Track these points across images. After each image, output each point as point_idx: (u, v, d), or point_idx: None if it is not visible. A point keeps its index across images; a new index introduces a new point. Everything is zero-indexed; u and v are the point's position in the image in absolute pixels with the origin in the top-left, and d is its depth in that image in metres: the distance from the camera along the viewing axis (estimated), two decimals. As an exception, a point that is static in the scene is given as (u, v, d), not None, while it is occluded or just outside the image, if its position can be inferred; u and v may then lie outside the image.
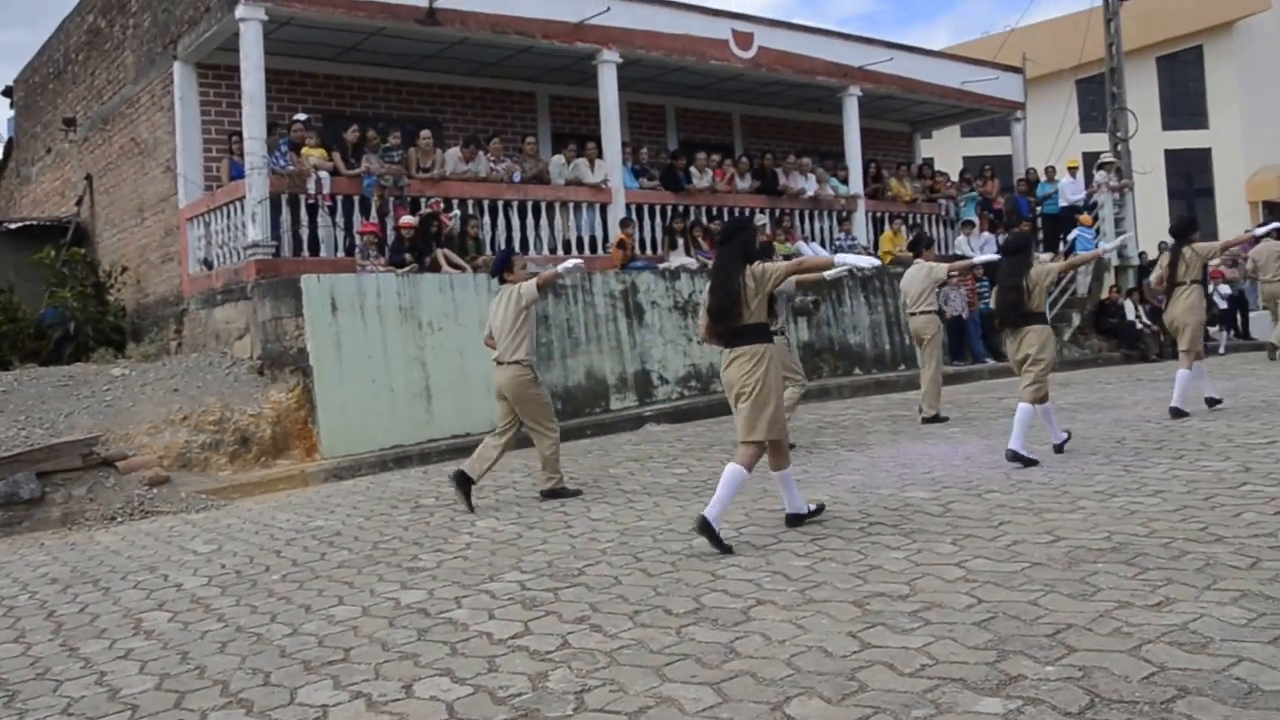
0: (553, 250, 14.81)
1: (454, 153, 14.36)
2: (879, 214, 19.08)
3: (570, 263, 8.87)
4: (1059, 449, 8.85)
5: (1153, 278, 12.22)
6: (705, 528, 6.29)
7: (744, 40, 17.04)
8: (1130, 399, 12.09)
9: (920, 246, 12.53)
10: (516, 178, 14.66)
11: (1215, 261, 16.83)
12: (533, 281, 8.64)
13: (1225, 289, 21.14)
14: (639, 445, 11.51)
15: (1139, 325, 19.46)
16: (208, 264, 13.75)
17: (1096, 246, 19.82)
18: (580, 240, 15.20)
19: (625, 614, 5.16)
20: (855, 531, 6.52)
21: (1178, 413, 10.28)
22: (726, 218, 16.82)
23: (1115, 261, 20.65)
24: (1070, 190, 20.59)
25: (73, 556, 8.05)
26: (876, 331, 16.95)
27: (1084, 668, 3.94)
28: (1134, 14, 27.22)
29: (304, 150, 13.11)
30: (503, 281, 8.98)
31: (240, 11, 12.39)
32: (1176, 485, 7.12)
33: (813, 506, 7.02)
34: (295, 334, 11.75)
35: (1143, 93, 31.99)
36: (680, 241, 15.78)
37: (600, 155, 15.53)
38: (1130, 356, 18.74)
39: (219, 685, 4.66)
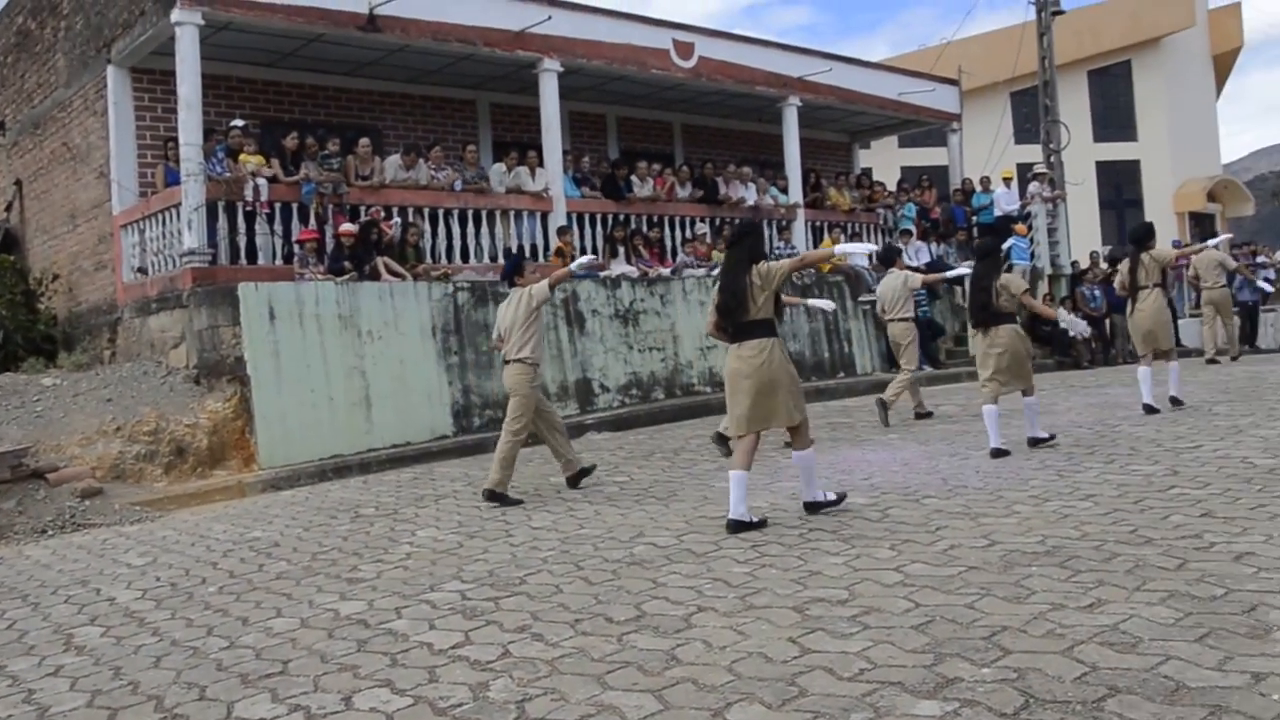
0: (493, 259, 14.76)
1: (394, 160, 14.28)
2: (818, 223, 19.25)
3: (585, 259, 9.24)
4: (996, 454, 9.02)
5: (1115, 283, 12.80)
6: (812, 507, 7.20)
7: (684, 50, 17.12)
8: (1063, 405, 12.28)
9: (892, 256, 12.87)
10: (458, 186, 14.60)
11: None
12: (544, 281, 9.07)
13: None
14: (580, 453, 11.45)
15: (1072, 333, 19.75)
16: (142, 271, 13.55)
17: (1032, 256, 20.21)
18: (521, 248, 15.16)
19: (566, 622, 5.15)
20: (795, 538, 6.55)
21: (1176, 401, 11.04)
22: (667, 227, 16.92)
23: (1049, 270, 20.98)
24: (1005, 200, 20.89)
25: (0, 571, 7.88)
26: (816, 340, 17.09)
27: (1019, 669, 4.00)
28: (1066, 28, 27.68)
29: (242, 157, 12.96)
30: (512, 284, 9.34)
31: (176, 15, 12.22)
32: (1108, 489, 7.25)
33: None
34: (232, 343, 11.63)
35: (1074, 105, 32.47)
36: (621, 250, 15.81)
37: (541, 163, 15.52)
38: (1063, 363, 19.07)
39: (153, 701, 4.59)
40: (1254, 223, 44.62)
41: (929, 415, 12.11)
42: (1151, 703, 3.60)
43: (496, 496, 8.72)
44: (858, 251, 7.82)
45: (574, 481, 9.27)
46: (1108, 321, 20.26)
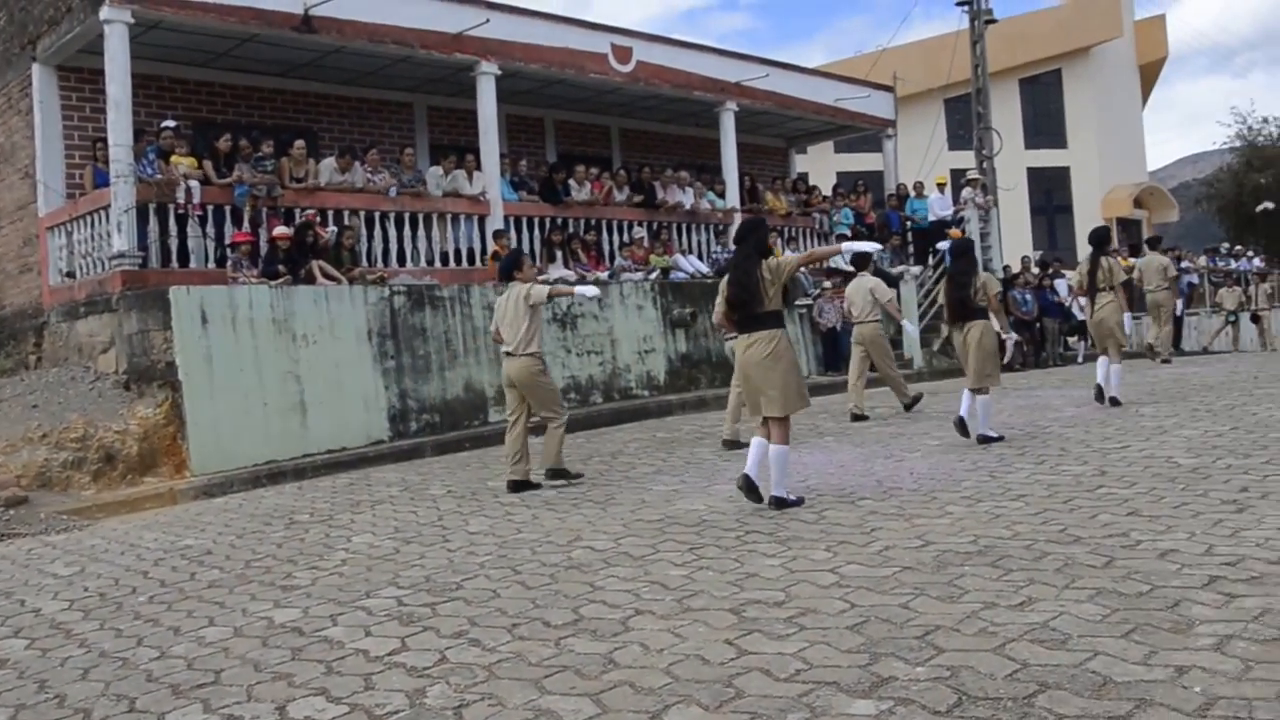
0: (430, 262, 14.68)
1: (329, 163, 14.14)
2: (755, 227, 19.31)
3: (589, 290, 9.60)
4: (960, 422, 9.73)
5: (1073, 283, 13.81)
6: (779, 504, 7.40)
7: (623, 54, 17.14)
8: (995, 407, 12.39)
9: (864, 261, 13.21)
10: (393, 192, 14.47)
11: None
12: (545, 288, 9.44)
13: (1083, 300, 21.91)
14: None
15: (1002, 336, 19.98)
16: (70, 275, 13.30)
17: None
18: (458, 252, 15.11)
19: (503, 627, 5.13)
20: (732, 540, 6.58)
21: (1114, 402, 11.55)
22: (604, 230, 16.93)
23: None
24: (939, 206, 21.18)
25: (-76, 580, 7.69)
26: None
27: (952, 667, 4.04)
28: (998, 37, 28.12)
29: (173, 158, 12.77)
30: (510, 280, 9.66)
31: (105, 13, 12.01)
32: (1038, 489, 7.37)
33: (794, 498, 7.55)
34: (163, 347, 11.44)
35: (1006, 113, 33.01)
36: (559, 254, 15.79)
37: (479, 167, 15.46)
38: (996, 366, 19.21)
39: (80, 714, 4.50)
40: (1178, 229, 45.59)
41: (865, 419, 12.21)
42: (1080, 698, 3.67)
43: (557, 474, 9.38)
44: (866, 250, 8.07)
45: (554, 474, 9.49)
46: (1039, 325, 20.52)
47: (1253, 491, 6.72)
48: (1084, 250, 31.47)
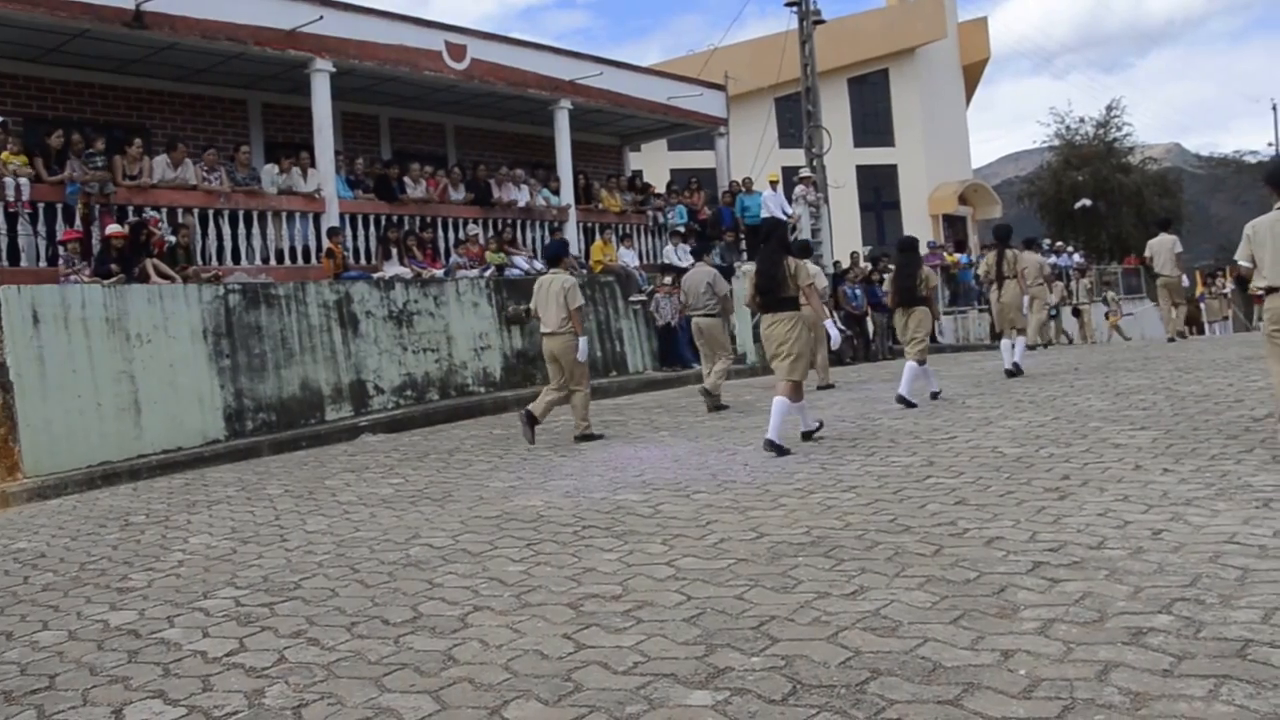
0: (265, 260, 14.57)
1: (162, 160, 13.91)
2: (590, 224, 19.62)
3: (583, 347, 10.99)
4: (935, 396, 11.70)
5: (980, 271, 16.71)
6: (773, 447, 8.95)
7: (457, 52, 17.21)
8: (826, 400, 12.74)
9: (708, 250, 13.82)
10: (228, 187, 14.32)
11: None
12: (581, 301, 10.98)
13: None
14: (355, 456, 11.47)
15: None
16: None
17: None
18: (294, 250, 15.02)
19: (342, 626, 5.15)
20: (569, 535, 6.69)
21: (1015, 370, 13.40)
22: (440, 228, 17.00)
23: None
24: (772, 202, 21.71)
25: None
26: (589, 339, 17.34)
27: (786, 657, 4.15)
28: (827, 37, 28.84)
29: (3, 155, 12.41)
30: (555, 266, 11.37)
31: (-75, 6, 11.66)
32: (869, 480, 7.61)
33: (816, 425, 9.66)
34: (-9, 348, 11.16)
35: (836, 111, 33.81)
36: (394, 251, 15.81)
37: (314, 164, 15.38)
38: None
39: (-95, 725, 4.41)
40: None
41: (725, 407, 12.68)
42: (910, 683, 3.80)
43: (586, 438, 10.91)
44: (832, 333, 10.09)
45: (581, 439, 10.96)
46: (868, 319, 21.03)
47: (1074, 479, 7.03)
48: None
